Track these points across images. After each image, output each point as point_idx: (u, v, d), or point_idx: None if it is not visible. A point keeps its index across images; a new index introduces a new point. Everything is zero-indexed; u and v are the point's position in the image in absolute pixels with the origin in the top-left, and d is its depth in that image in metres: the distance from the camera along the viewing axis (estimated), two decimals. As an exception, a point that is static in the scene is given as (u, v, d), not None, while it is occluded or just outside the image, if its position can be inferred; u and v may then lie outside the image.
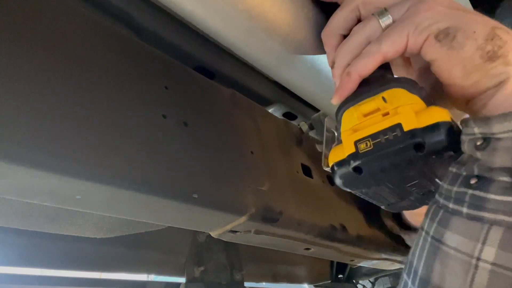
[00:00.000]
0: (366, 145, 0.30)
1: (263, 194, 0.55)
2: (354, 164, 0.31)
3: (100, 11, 0.55)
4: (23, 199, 0.37)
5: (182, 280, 0.88)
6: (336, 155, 0.33)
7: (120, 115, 0.41)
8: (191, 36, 0.63)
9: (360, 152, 0.30)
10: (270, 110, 0.81)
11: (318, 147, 0.40)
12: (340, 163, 0.32)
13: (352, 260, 0.85)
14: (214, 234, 0.57)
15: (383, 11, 0.33)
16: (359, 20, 0.36)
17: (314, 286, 1.34)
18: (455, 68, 0.30)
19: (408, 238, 0.72)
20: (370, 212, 0.81)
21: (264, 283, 1.13)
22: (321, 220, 0.64)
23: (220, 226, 0.54)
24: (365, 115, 0.32)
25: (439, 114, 0.28)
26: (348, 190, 0.34)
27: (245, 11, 0.34)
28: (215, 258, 0.92)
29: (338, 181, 0.33)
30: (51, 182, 0.35)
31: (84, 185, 0.36)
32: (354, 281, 1.49)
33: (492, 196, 0.25)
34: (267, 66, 0.45)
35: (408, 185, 0.33)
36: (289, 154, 0.68)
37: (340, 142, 0.33)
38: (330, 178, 0.75)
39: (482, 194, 0.25)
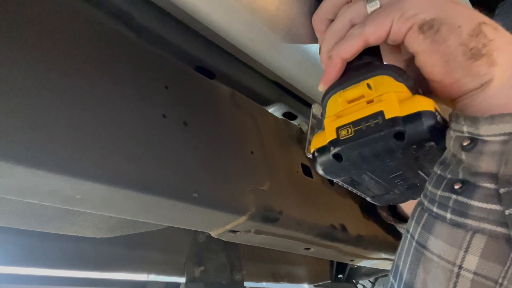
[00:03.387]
0: (347, 131, 0.30)
1: (263, 194, 0.55)
2: (334, 150, 0.30)
3: (100, 11, 0.55)
4: (23, 199, 0.37)
5: (182, 280, 0.88)
6: (318, 141, 0.32)
7: (120, 114, 0.41)
8: (191, 36, 0.63)
9: (341, 138, 0.30)
10: (270, 110, 0.81)
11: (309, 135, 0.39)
12: (321, 150, 0.32)
13: (352, 260, 0.85)
14: (214, 234, 0.57)
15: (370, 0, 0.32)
16: None
17: (314, 286, 1.34)
18: (437, 63, 0.29)
19: (402, 229, 0.72)
20: (370, 212, 0.81)
21: (264, 283, 1.13)
22: (321, 220, 0.64)
23: (220, 226, 0.54)
24: (349, 102, 0.31)
25: (423, 103, 0.27)
26: (329, 177, 0.33)
27: (248, 4, 0.34)
28: (215, 258, 0.92)
29: (318, 168, 0.33)
30: (51, 182, 0.35)
31: (84, 185, 0.36)
32: (354, 281, 1.49)
33: (475, 203, 0.24)
34: (270, 61, 0.45)
35: (391, 176, 0.33)
36: (289, 154, 0.68)
37: (324, 128, 0.33)
38: (330, 178, 0.75)
39: (466, 200, 0.24)
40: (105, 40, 0.44)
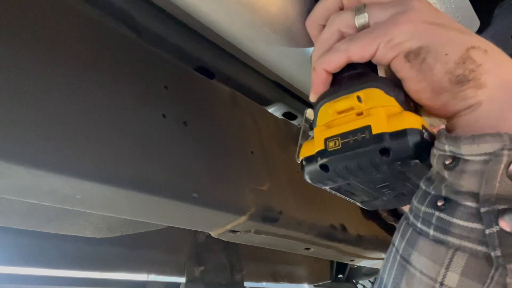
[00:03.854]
0: (335, 143, 0.30)
1: (263, 194, 0.55)
2: (321, 161, 0.31)
3: (100, 11, 0.55)
4: (23, 199, 0.37)
5: (182, 280, 0.88)
6: (306, 150, 0.33)
7: (120, 114, 0.41)
8: (191, 36, 0.63)
9: (328, 150, 0.30)
10: (270, 110, 0.81)
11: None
12: (309, 159, 0.32)
13: (352, 260, 0.85)
14: (214, 234, 0.57)
15: (361, 8, 0.31)
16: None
17: (314, 286, 1.35)
18: (423, 90, 0.29)
19: None
20: (370, 212, 0.81)
21: (264, 283, 1.13)
22: (321, 220, 0.64)
23: (220, 226, 0.54)
24: (339, 113, 0.31)
25: (410, 121, 0.28)
26: (316, 185, 0.34)
27: (248, 4, 0.34)
28: (215, 258, 0.92)
29: (306, 176, 0.33)
30: (51, 182, 0.35)
31: (84, 185, 0.36)
32: (354, 281, 1.49)
33: (457, 221, 0.24)
34: (270, 61, 0.45)
35: (378, 186, 0.33)
36: (289, 154, 0.68)
37: (313, 137, 0.33)
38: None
39: (448, 217, 0.25)
40: (105, 40, 0.44)
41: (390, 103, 0.29)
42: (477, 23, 0.70)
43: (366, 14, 0.30)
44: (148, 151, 0.42)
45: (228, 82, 0.69)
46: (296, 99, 0.83)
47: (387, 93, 0.30)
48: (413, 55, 0.28)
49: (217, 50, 0.67)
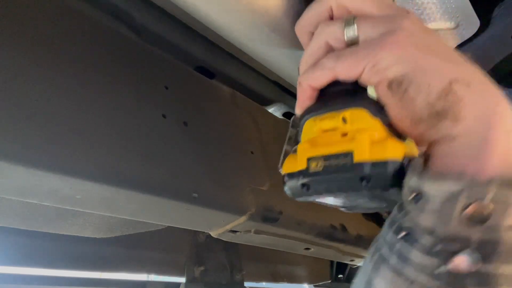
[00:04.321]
0: (317, 165, 0.30)
1: (263, 194, 0.55)
2: (302, 180, 0.31)
3: (100, 11, 0.55)
4: (23, 199, 0.37)
5: (182, 280, 0.88)
6: (289, 165, 0.33)
7: (120, 115, 0.41)
8: (191, 36, 0.63)
9: (310, 171, 0.31)
10: (270, 110, 0.81)
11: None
12: (291, 175, 0.33)
13: (352, 260, 0.85)
14: (214, 234, 0.57)
15: (350, 21, 0.30)
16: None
17: (314, 286, 1.35)
18: (403, 118, 0.29)
19: None
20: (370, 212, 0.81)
21: (264, 283, 1.13)
22: (321, 220, 0.64)
23: (220, 226, 0.54)
24: (324, 131, 0.32)
25: (392, 150, 0.28)
26: (297, 199, 0.35)
27: (248, 4, 0.34)
28: (215, 258, 0.92)
29: (287, 190, 0.34)
30: (51, 182, 0.35)
31: (84, 185, 0.36)
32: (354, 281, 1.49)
33: (415, 254, 0.25)
34: (270, 61, 0.45)
35: (359, 200, 0.34)
36: (289, 154, 0.68)
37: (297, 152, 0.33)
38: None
39: (407, 249, 0.25)
40: (105, 40, 0.44)
41: (375, 126, 0.29)
42: (477, 23, 0.70)
43: (355, 28, 0.29)
44: (148, 151, 0.42)
45: (228, 82, 0.69)
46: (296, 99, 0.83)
47: (373, 114, 0.30)
48: (395, 85, 0.27)
49: (217, 50, 0.67)
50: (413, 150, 0.29)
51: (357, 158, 0.28)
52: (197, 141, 0.49)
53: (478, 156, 0.25)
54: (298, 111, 0.34)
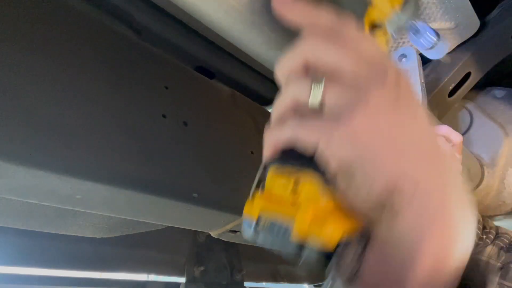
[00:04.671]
0: (265, 223, 0.31)
1: (263, 194, 0.55)
2: (253, 230, 0.33)
3: (101, 11, 0.55)
4: (23, 199, 0.37)
5: (182, 280, 0.88)
6: (247, 210, 0.34)
7: (120, 115, 0.41)
8: (191, 36, 0.63)
9: (259, 224, 0.32)
10: (270, 110, 0.81)
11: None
12: (246, 222, 0.34)
13: (352, 260, 0.85)
14: (214, 234, 0.57)
15: (318, 84, 0.27)
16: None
17: (314, 286, 1.35)
18: (345, 200, 0.28)
19: None
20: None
21: (264, 283, 1.13)
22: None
23: (220, 226, 0.54)
24: (280, 186, 0.32)
25: (330, 231, 0.28)
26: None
27: (248, 3, 0.34)
28: (215, 258, 0.92)
29: (242, 231, 0.36)
30: (51, 182, 0.35)
31: (84, 185, 0.36)
32: (354, 281, 1.48)
33: None
34: (270, 61, 0.45)
35: None
36: (289, 154, 0.68)
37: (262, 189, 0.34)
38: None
39: None
40: (105, 40, 0.44)
41: (323, 197, 0.29)
42: (477, 23, 0.70)
43: (321, 93, 0.27)
44: (148, 151, 0.42)
45: (228, 82, 0.69)
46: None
47: (325, 184, 0.29)
48: (342, 171, 0.26)
49: (217, 50, 0.67)
50: (357, 226, 0.29)
51: (296, 228, 0.29)
52: (197, 141, 0.49)
53: (418, 254, 0.24)
54: (264, 157, 0.32)
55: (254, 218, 0.32)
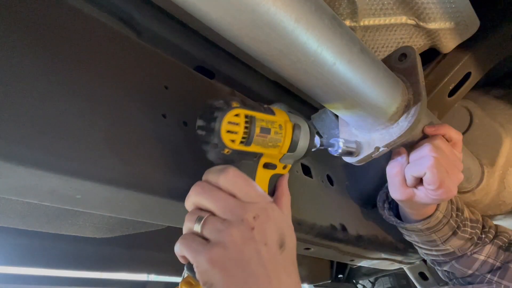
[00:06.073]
0: None
1: (263, 194, 0.55)
2: None
3: (100, 11, 0.55)
4: (23, 199, 0.37)
5: (182, 280, 0.88)
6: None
7: (120, 114, 0.41)
8: (191, 36, 0.63)
9: None
10: (270, 110, 0.80)
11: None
12: None
13: (352, 260, 0.85)
14: (214, 234, 0.57)
15: (199, 221, 0.37)
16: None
17: (314, 286, 1.35)
18: None
19: (405, 232, 0.72)
20: (370, 211, 0.81)
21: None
22: (321, 220, 0.64)
23: (220, 226, 0.54)
24: None
25: None
26: None
27: (248, 3, 0.34)
28: (215, 258, 0.91)
29: None
30: (51, 182, 0.35)
31: (84, 185, 0.36)
32: (354, 281, 1.49)
33: None
34: (271, 61, 0.45)
35: None
36: (289, 154, 0.67)
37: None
38: (329, 178, 0.75)
39: None
40: (105, 40, 0.44)
41: None
42: (477, 23, 0.70)
43: (200, 228, 0.36)
44: (148, 151, 0.42)
45: (228, 82, 0.69)
46: (296, 99, 0.83)
47: (195, 279, 0.36)
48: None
49: (217, 50, 0.67)
50: None
51: None
52: (197, 140, 0.49)
53: None
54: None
55: None
